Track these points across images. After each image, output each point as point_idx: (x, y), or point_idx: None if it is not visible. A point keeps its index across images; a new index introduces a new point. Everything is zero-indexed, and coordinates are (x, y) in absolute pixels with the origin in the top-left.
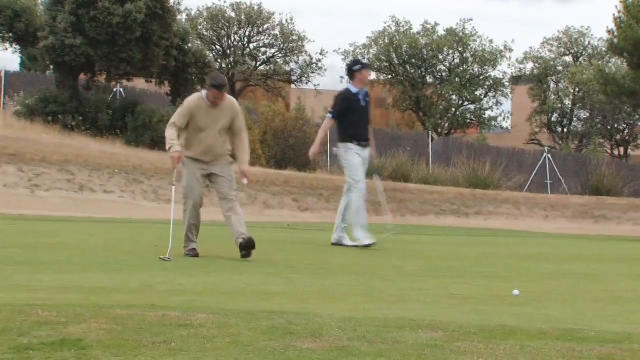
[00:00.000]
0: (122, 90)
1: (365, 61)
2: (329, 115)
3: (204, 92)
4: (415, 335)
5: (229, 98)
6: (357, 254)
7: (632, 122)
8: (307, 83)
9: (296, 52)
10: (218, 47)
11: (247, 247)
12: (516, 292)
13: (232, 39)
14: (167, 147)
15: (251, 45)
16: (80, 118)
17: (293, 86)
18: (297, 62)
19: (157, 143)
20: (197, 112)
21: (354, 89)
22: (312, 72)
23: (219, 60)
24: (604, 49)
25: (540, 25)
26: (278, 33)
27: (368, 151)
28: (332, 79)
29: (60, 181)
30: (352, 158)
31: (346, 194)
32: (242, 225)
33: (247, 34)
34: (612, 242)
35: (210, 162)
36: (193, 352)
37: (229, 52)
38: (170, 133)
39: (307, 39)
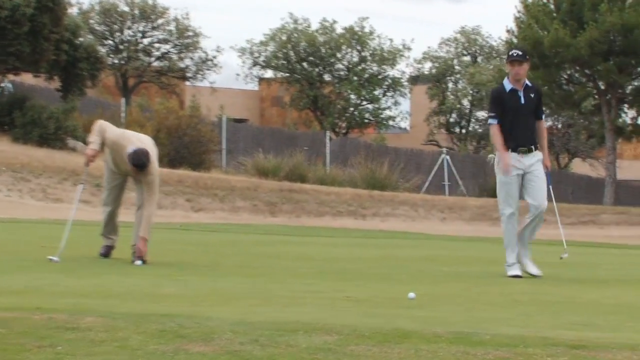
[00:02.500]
0: (10, 85)
1: (516, 51)
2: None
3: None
4: (309, 339)
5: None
6: (250, 256)
7: None
8: (202, 80)
9: (191, 48)
10: (110, 41)
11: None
12: (412, 294)
13: (125, 33)
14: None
15: (145, 41)
16: None
17: (188, 83)
18: (192, 59)
19: (47, 140)
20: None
21: (507, 85)
22: (208, 69)
23: (112, 56)
24: (502, 48)
25: (437, 25)
26: (173, 28)
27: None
28: (228, 76)
29: None
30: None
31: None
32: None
33: (141, 29)
34: None
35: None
36: (80, 356)
37: (121, 47)
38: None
39: (202, 35)
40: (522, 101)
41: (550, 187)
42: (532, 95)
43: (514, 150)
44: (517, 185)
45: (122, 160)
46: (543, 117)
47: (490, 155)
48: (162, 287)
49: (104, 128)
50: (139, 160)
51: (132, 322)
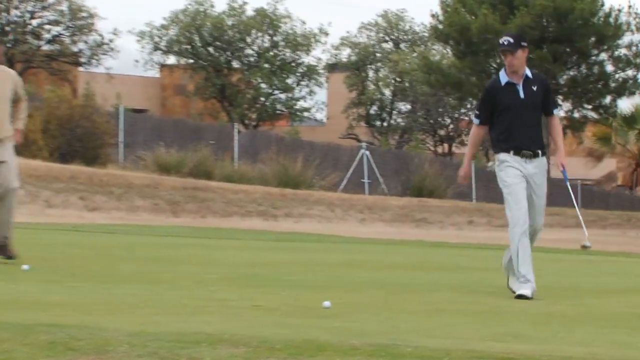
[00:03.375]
0: None
1: (506, 38)
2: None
3: None
4: (214, 351)
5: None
6: (149, 261)
7: (457, 116)
8: (97, 66)
9: (85, 30)
10: None
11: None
12: (327, 303)
13: (12, 14)
14: None
15: (34, 22)
16: None
17: (81, 69)
18: (86, 42)
19: None
20: None
21: (503, 78)
22: (104, 54)
23: None
24: (425, 34)
25: (358, 8)
26: (65, 9)
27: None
28: (126, 62)
29: None
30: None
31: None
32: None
33: (30, 8)
34: (433, 249)
35: None
36: None
37: (8, 29)
38: None
39: (98, 16)
40: (522, 95)
41: (568, 184)
42: (535, 88)
43: (516, 154)
44: (524, 189)
45: None
46: (555, 111)
47: (491, 163)
48: (52, 295)
49: None
50: None
51: (18, 332)
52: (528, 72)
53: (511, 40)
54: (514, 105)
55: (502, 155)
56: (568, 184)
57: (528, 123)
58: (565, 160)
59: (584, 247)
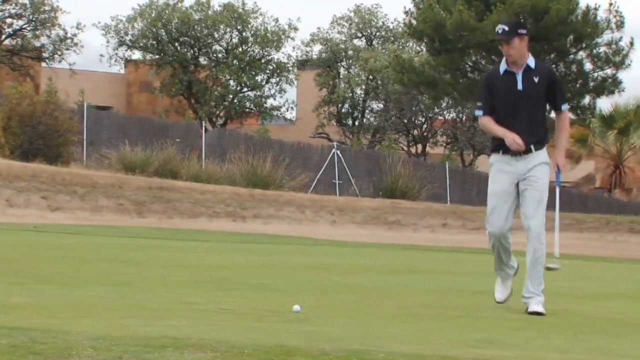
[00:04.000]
0: None
1: (501, 27)
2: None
3: None
4: (180, 356)
5: None
6: (114, 262)
7: (431, 115)
8: (60, 61)
9: (48, 24)
10: None
11: None
12: (297, 307)
13: None
14: None
15: None
16: None
17: (44, 64)
18: (49, 37)
19: None
20: None
21: (502, 66)
22: (67, 49)
23: None
24: (399, 30)
25: (330, 3)
26: (27, 2)
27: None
28: (90, 57)
29: None
30: (491, 180)
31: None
32: None
33: None
34: (406, 252)
35: None
36: None
37: None
38: None
39: (61, 10)
40: (520, 86)
41: (558, 188)
42: (537, 79)
43: (505, 152)
44: (510, 195)
45: None
46: (564, 107)
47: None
48: (13, 296)
49: None
50: None
51: None
52: (531, 62)
53: (506, 28)
54: (511, 96)
55: (492, 157)
56: (558, 188)
57: (524, 116)
58: (563, 160)
59: (549, 268)
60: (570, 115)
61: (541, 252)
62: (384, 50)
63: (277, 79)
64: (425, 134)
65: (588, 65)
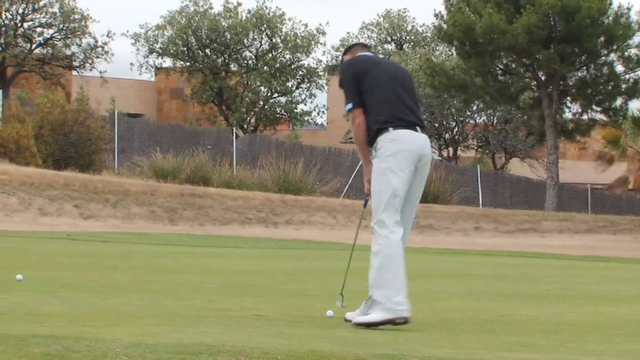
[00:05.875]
0: None
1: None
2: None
3: None
4: None
5: None
6: (147, 270)
7: (462, 119)
8: (91, 70)
9: (78, 33)
10: None
11: None
12: (330, 312)
13: (3, 16)
14: None
15: (25, 25)
16: None
17: (75, 73)
18: (79, 45)
19: None
20: None
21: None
22: (97, 57)
23: None
24: (428, 35)
25: (358, 8)
26: (57, 11)
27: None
28: (121, 65)
29: None
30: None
31: None
32: None
33: (21, 11)
34: (439, 256)
35: None
36: None
37: None
38: None
39: (91, 18)
40: None
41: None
42: None
43: None
44: None
45: None
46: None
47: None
48: (46, 305)
49: None
50: None
51: (12, 345)
52: None
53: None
54: None
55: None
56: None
57: None
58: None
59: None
60: (602, 117)
61: None
62: (414, 55)
63: (308, 84)
64: (456, 137)
65: (619, 67)
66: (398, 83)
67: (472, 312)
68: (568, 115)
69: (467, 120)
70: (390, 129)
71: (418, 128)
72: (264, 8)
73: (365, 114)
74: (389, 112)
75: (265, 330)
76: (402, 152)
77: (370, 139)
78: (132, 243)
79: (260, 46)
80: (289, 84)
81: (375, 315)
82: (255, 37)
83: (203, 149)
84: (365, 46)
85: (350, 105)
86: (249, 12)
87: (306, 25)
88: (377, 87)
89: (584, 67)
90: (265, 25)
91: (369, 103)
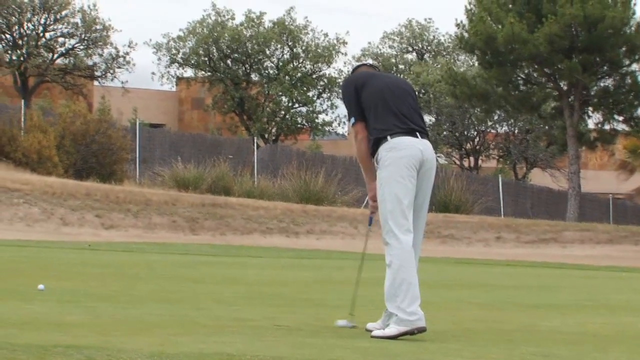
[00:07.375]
0: None
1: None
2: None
3: None
4: None
5: None
6: (168, 279)
7: (483, 129)
8: (112, 79)
9: (100, 43)
10: (8, 36)
11: None
12: (341, 322)
13: (25, 27)
14: None
15: (47, 35)
16: None
17: (96, 83)
18: (101, 55)
19: None
20: None
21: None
22: (119, 67)
23: (10, 52)
24: (450, 44)
25: (380, 17)
26: (79, 21)
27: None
28: (142, 75)
29: None
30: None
31: None
32: None
33: (42, 21)
34: (460, 266)
35: None
36: None
37: (21, 42)
38: None
39: (112, 28)
40: None
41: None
42: None
43: None
44: None
45: None
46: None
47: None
48: (68, 315)
49: None
50: None
51: (34, 354)
52: None
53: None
54: None
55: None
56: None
57: None
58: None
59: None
60: (624, 127)
61: None
62: (436, 65)
63: (329, 94)
64: (477, 147)
65: None
66: (396, 92)
67: (493, 322)
68: (590, 125)
69: (488, 130)
70: (389, 137)
71: (418, 134)
72: (289, 19)
73: (367, 127)
74: (387, 121)
75: (286, 340)
76: (402, 159)
77: (372, 151)
78: (153, 253)
79: (281, 56)
80: (310, 93)
81: (391, 330)
82: (277, 47)
83: (224, 158)
84: (371, 66)
85: (352, 120)
86: (272, 22)
87: (326, 35)
88: (375, 98)
89: (606, 77)
90: (287, 36)
91: (368, 115)
